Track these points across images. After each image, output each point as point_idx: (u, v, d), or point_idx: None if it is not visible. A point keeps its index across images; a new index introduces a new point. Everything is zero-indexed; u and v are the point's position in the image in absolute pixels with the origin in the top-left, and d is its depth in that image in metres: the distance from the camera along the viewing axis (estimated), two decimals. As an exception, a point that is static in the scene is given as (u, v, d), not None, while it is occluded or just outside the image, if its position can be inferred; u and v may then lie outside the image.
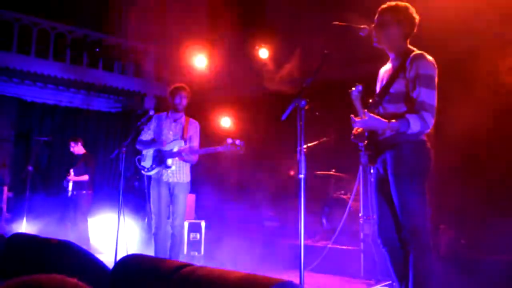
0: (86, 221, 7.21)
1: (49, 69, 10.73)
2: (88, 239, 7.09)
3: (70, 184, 7.18)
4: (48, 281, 1.03)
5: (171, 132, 4.90)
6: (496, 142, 5.43)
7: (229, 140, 4.60)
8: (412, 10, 2.92)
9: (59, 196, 7.52)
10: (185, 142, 4.83)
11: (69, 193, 7.17)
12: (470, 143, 5.32)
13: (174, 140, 4.85)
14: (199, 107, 7.76)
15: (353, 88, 2.60)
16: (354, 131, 2.99)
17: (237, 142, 4.57)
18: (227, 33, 8.11)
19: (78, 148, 7.49)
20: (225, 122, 9.24)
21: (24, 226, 7.59)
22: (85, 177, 7.17)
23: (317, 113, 8.48)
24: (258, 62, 8.82)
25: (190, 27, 8.22)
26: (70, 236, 6.37)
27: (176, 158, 4.78)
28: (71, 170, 7.24)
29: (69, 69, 10.98)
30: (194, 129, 4.97)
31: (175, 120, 4.96)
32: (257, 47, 8.90)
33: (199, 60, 8.74)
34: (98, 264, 2.82)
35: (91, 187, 7.29)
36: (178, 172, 4.80)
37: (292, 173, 8.29)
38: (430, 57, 2.81)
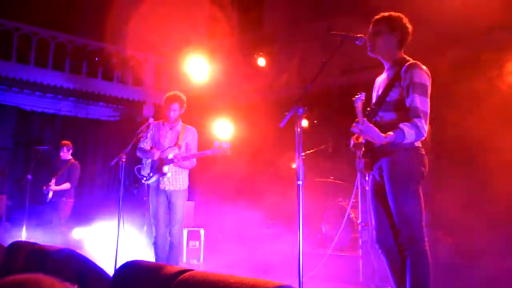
0: (66, 229, 7.08)
1: (49, 78, 10.79)
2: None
3: (51, 192, 6.98)
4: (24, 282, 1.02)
5: (166, 140, 4.93)
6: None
7: (216, 143, 4.73)
8: (406, 20, 2.98)
9: (43, 203, 7.32)
10: (179, 148, 4.86)
11: (48, 199, 6.94)
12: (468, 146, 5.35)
13: (169, 147, 4.88)
14: (199, 115, 7.79)
15: (357, 96, 2.64)
16: (354, 140, 3.03)
17: (224, 144, 4.70)
18: (226, 41, 8.16)
19: (66, 154, 7.29)
20: (225, 129, 9.25)
21: (24, 235, 7.57)
22: (67, 186, 7.00)
23: (315, 121, 8.55)
24: (257, 70, 8.87)
25: (188, 35, 8.28)
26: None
27: (171, 165, 4.81)
28: (53, 179, 6.98)
29: (69, 78, 11.04)
30: (191, 135, 4.99)
31: (171, 128, 4.99)
32: (255, 55, 8.97)
33: (198, 68, 8.77)
34: (99, 271, 2.84)
35: (71, 196, 7.12)
36: (174, 179, 4.83)
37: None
38: (424, 67, 2.87)
